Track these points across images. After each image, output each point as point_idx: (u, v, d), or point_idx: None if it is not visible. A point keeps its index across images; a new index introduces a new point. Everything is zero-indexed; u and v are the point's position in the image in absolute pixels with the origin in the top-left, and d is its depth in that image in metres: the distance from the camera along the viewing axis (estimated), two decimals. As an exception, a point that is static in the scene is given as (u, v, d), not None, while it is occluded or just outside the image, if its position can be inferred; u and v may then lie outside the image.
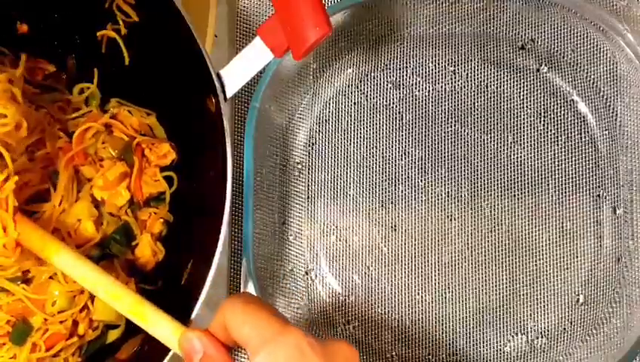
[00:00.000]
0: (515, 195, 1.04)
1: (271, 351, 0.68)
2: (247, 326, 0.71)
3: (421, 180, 1.05)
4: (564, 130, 1.04)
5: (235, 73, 0.84)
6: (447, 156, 1.06)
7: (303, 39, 0.80)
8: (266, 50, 0.83)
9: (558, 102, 1.05)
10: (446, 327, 1.05)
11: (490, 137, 1.05)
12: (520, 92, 1.06)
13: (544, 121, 1.05)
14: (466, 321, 1.05)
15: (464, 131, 1.06)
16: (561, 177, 1.05)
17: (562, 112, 1.05)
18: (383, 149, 1.06)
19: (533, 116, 1.05)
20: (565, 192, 1.05)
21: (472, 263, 1.04)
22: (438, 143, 1.06)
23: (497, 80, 1.07)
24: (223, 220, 0.84)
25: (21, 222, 0.83)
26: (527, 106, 1.06)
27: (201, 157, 0.91)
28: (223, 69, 0.84)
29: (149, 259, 0.95)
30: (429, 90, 1.09)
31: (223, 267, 1.04)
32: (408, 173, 1.06)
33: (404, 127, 1.07)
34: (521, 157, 1.05)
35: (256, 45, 0.83)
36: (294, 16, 0.80)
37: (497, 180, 1.05)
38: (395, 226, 1.04)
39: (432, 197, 1.05)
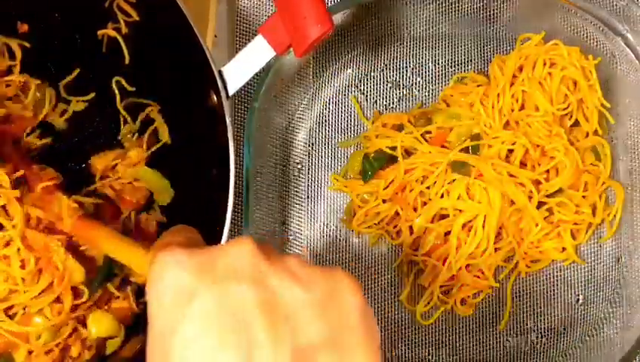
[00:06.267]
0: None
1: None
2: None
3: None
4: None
5: (237, 71, 0.84)
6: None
7: (304, 36, 0.80)
8: (268, 47, 0.83)
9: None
10: (446, 327, 1.05)
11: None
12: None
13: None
14: (466, 321, 1.05)
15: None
16: (562, 177, 1.05)
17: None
18: (383, 149, 1.06)
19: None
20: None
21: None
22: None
23: (497, 80, 1.07)
24: (226, 219, 0.84)
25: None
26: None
27: (203, 156, 0.91)
28: (225, 66, 0.84)
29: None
30: (429, 90, 1.09)
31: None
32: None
33: (404, 127, 1.07)
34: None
35: (258, 43, 0.84)
36: (296, 14, 0.80)
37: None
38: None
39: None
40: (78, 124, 0.98)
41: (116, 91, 0.96)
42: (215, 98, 0.84)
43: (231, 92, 0.84)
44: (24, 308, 0.87)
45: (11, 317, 0.87)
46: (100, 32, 0.94)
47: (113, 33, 0.94)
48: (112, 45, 0.95)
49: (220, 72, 0.84)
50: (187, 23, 0.84)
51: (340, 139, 1.09)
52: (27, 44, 0.96)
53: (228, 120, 0.83)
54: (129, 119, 0.97)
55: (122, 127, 0.97)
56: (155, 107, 0.96)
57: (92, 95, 0.97)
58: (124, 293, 0.93)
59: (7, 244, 0.84)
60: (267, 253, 0.57)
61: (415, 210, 1.03)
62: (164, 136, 0.96)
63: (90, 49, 0.95)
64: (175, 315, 0.54)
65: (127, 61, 0.95)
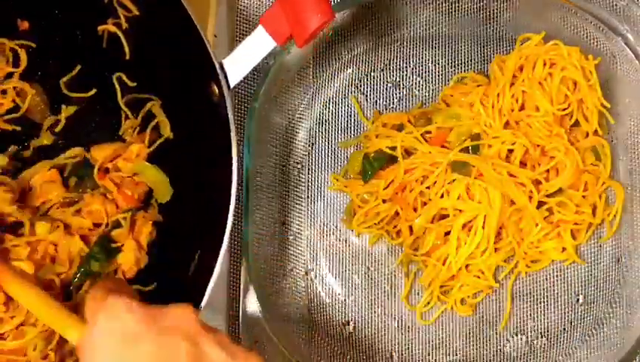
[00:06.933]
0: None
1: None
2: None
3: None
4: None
5: (238, 62, 0.84)
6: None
7: (305, 26, 0.80)
8: (269, 38, 0.83)
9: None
10: (446, 327, 1.04)
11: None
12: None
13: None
14: (466, 321, 1.04)
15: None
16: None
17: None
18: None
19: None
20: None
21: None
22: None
23: (497, 80, 1.07)
24: (228, 220, 0.83)
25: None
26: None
27: (204, 151, 0.90)
28: (226, 58, 0.84)
29: (131, 266, 0.93)
30: (429, 90, 1.09)
31: (222, 267, 1.03)
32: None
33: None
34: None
35: (259, 34, 0.84)
36: (296, 4, 0.80)
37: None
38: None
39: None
40: (79, 120, 0.97)
41: (117, 87, 0.96)
42: (217, 91, 0.84)
43: (232, 84, 0.84)
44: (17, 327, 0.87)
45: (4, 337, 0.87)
46: (100, 28, 0.94)
47: (113, 29, 0.94)
48: (113, 41, 0.95)
49: (220, 64, 0.84)
50: (187, 16, 0.84)
51: (340, 139, 1.09)
52: (33, 45, 0.96)
53: (229, 112, 0.83)
54: (130, 115, 0.96)
55: (123, 122, 0.97)
56: (157, 102, 0.95)
57: (93, 91, 0.97)
58: None
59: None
60: (204, 325, 0.72)
61: (415, 210, 1.03)
62: (166, 131, 0.96)
63: (91, 45, 0.95)
64: (124, 353, 0.69)
65: (127, 56, 0.95)
